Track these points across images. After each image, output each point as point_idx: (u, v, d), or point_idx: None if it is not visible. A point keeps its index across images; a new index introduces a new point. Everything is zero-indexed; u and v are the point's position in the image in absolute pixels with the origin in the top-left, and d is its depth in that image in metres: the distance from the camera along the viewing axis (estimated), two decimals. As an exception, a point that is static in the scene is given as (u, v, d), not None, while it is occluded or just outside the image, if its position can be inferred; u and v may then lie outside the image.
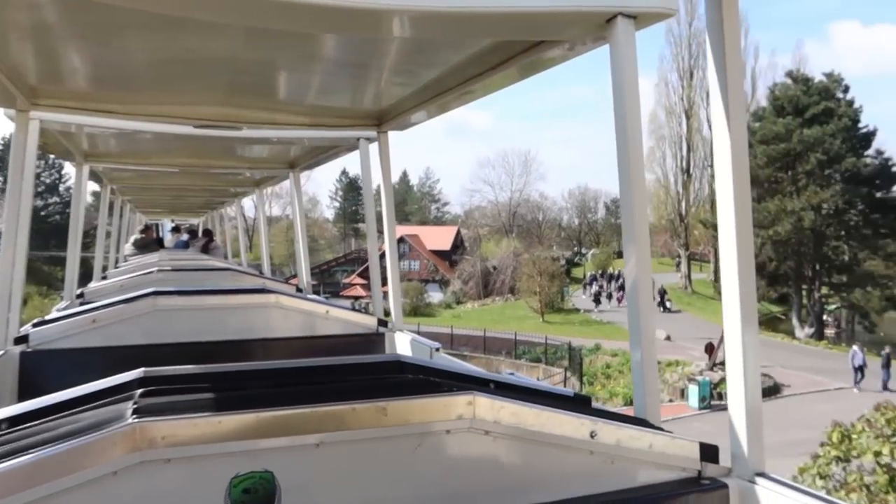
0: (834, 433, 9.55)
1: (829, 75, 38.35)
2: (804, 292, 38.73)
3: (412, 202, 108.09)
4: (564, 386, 26.80)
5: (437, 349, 4.01)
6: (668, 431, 1.97)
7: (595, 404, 2.19)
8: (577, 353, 30.65)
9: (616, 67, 2.06)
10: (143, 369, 1.83)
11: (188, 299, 3.94)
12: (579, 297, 55.93)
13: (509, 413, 1.71)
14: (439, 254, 75.59)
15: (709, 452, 1.98)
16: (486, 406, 1.69)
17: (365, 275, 67.28)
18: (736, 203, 1.86)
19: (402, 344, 4.35)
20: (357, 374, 2.10)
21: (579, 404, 2.05)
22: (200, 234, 14.31)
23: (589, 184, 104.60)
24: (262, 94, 3.73)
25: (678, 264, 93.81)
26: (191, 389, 1.72)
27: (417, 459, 1.67)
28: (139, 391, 1.67)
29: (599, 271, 70.51)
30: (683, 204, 69.83)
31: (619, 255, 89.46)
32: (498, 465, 1.74)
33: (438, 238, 78.46)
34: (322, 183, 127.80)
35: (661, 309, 45.83)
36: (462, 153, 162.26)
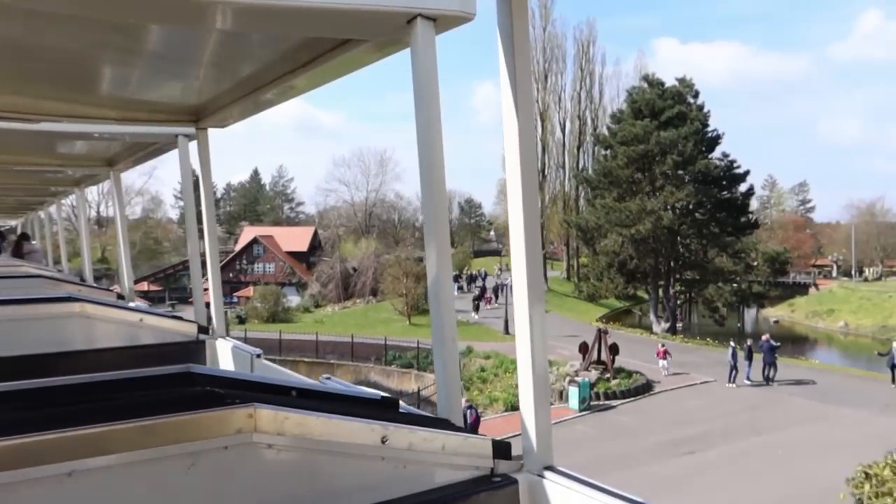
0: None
1: (681, 80, 40.30)
2: (661, 289, 40.32)
3: (264, 202, 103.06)
4: None
5: (259, 355, 3.94)
6: (465, 431, 1.99)
7: (407, 408, 2.20)
8: None
9: (416, 69, 2.07)
10: None
11: None
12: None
13: (294, 423, 1.66)
14: (296, 255, 72.21)
15: (501, 449, 2.00)
16: (268, 418, 1.62)
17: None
18: (524, 196, 2.00)
19: (224, 351, 4.31)
20: (139, 388, 1.92)
21: (385, 408, 2.02)
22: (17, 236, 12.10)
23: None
24: (62, 84, 3.50)
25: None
26: None
27: (191, 481, 1.56)
28: None
29: (457, 272, 70.13)
30: (538, 204, 71.53)
31: (477, 254, 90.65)
32: (282, 480, 1.69)
33: (294, 239, 75.00)
34: (167, 181, 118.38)
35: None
36: (315, 152, 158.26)
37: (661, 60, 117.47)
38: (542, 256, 2.05)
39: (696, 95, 39.80)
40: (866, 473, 9.79)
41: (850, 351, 55.55)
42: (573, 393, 23.53)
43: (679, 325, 40.96)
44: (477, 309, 45.20)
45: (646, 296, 42.75)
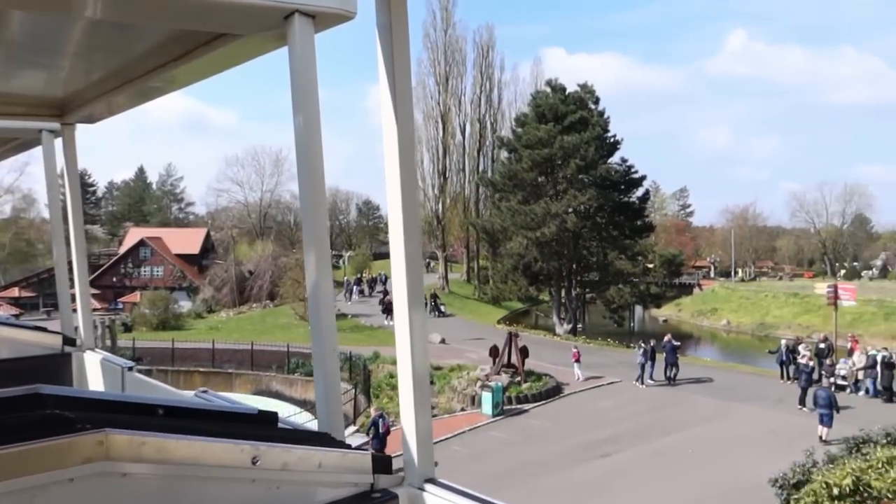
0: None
1: (583, 86, 41.17)
2: (564, 290, 41.00)
3: (151, 201, 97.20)
4: (354, 404, 24.43)
5: (131, 368, 3.73)
6: (346, 446, 1.94)
7: (287, 422, 2.22)
8: (362, 363, 28.43)
9: (294, 67, 2.01)
10: None
11: None
12: (342, 302, 53.96)
13: (153, 448, 1.53)
14: (186, 258, 68.40)
15: (381, 464, 1.97)
16: (122, 443, 1.49)
17: (98, 283, 58.18)
18: (403, 199, 1.96)
19: (92, 365, 4.12)
20: None
21: (261, 424, 1.98)
22: None
23: (340, 185, 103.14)
24: None
25: (428, 265, 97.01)
26: None
27: None
28: None
29: (357, 276, 68.80)
30: (440, 206, 71.44)
31: (376, 256, 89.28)
32: None
33: (185, 241, 71.03)
34: (40, 178, 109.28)
35: (436, 313, 45.40)
36: (207, 151, 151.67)
37: (549, 69, 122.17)
38: (422, 260, 2.03)
39: (596, 101, 40.82)
40: (795, 481, 9.73)
41: (732, 347, 59.03)
42: (486, 398, 23.20)
43: (579, 326, 41.88)
44: (389, 312, 44.49)
45: (547, 297, 43.32)
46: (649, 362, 26.75)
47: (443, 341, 37.02)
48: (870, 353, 25.82)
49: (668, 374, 26.98)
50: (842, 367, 25.89)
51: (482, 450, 19.61)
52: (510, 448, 19.71)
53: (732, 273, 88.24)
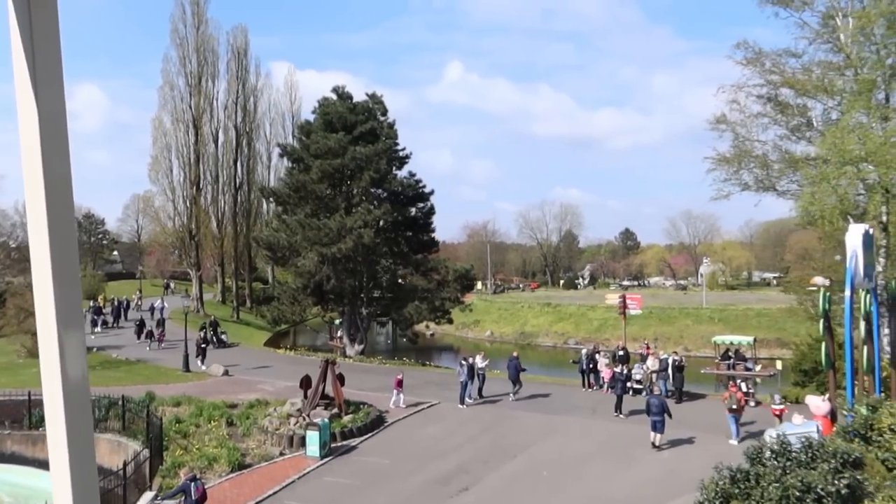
0: None
1: (371, 96, 39.49)
2: (358, 309, 38.74)
3: None
4: (151, 464, 19.41)
5: None
6: None
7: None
8: (142, 409, 23.08)
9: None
10: None
11: None
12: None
13: None
14: None
15: None
16: None
17: None
18: (50, 207, 1.76)
19: None
20: None
21: None
22: None
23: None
24: None
25: (167, 286, 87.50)
26: None
27: None
28: None
29: (94, 302, 59.16)
30: (194, 220, 64.41)
31: (110, 277, 78.34)
32: None
33: None
34: None
35: (215, 344, 39.78)
36: None
37: (277, 82, 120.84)
38: (78, 271, 1.83)
39: (385, 112, 39.47)
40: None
41: (495, 354, 61.70)
42: (313, 438, 20.13)
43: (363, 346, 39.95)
44: (151, 338, 38.43)
45: (337, 317, 40.71)
46: (470, 381, 25.83)
47: (226, 373, 32.48)
48: (661, 358, 27.90)
49: (514, 391, 26.27)
50: (637, 372, 27.55)
51: (323, 501, 16.73)
52: (356, 495, 17.07)
53: (481, 285, 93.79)
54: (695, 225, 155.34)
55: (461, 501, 16.49)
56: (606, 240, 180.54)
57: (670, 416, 20.01)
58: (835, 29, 26.72)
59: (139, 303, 62.79)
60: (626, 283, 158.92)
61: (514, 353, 28.13)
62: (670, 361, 27.04)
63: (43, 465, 23.05)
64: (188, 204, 64.44)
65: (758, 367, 37.17)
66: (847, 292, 18.40)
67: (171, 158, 64.43)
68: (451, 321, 38.97)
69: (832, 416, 19.09)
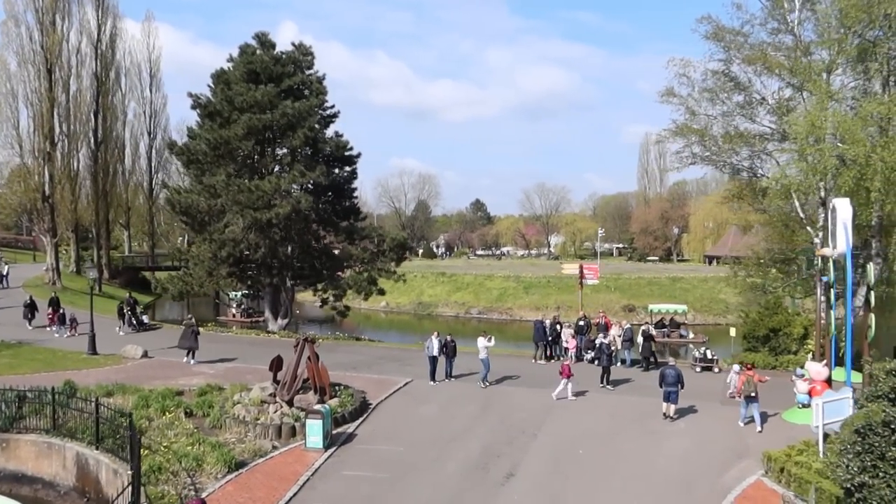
0: None
1: (298, 46, 35.61)
2: (284, 280, 35.38)
3: None
4: (136, 482, 15.94)
5: None
6: None
7: None
8: (94, 403, 18.94)
9: None
10: None
11: None
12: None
13: None
14: None
15: None
16: None
17: None
18: None
19: None
20: None
21: None
22: None
23: None
24: None
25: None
26: None
27: None
28: None
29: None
30: (47, 179, 55.88)
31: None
32: None
33: None
34: None
35: (135, 327, 34.43)
36: None
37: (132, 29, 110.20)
38: None
39: (311, 65, 35.93)
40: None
41: (397, 326, 60.32)
42: (315, 428, 17.72)
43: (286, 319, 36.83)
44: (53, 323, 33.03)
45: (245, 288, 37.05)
46: (447, 357, 24.31)
47: (146, 354, 28.27)
48: (625, 327, 28.01)
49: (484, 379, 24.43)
50: (606, 341, 27.41)
51: (356, 500, 14.62)
52: (392, 490, 15.12)
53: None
54: (547, 197, 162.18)
55: (515, 489, 15.13)
56: (457, 210, 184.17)
57: (683, 386, 19.85)
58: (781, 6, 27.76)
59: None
60: (479, 252, 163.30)
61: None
62: (634, 331, 27.24)
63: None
64: (41, 160, 55.88)
65: (691, 335, 39.18)
66: (848, 263, 19.10)
67: (19, 106, 55.50)
68: (382, 292, 36.79)
69: (828, 381, 19.96)
